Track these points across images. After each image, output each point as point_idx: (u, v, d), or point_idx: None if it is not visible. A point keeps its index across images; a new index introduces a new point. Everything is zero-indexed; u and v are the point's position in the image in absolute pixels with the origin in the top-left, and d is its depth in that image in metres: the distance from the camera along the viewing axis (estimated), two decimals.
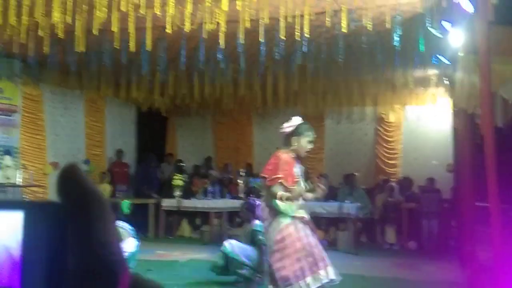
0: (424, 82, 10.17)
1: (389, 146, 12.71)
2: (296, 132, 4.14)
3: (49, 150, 10.52)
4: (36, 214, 1.52)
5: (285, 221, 3.99)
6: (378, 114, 12.82)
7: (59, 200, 1.59)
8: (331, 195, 9.73)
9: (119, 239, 1.71)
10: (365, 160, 13.00)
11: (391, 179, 11.60)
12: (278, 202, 3.95)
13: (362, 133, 13.20)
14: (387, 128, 12.74)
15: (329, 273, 3.96)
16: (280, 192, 3.92)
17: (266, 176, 4.08)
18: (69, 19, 6.02)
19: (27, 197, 9.40)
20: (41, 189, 9.78)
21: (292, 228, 3.99)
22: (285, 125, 4.21)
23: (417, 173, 11.39)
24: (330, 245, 8.98)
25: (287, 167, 4.00)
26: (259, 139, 13.85)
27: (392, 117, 12.64)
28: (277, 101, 11.81)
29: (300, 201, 4.13)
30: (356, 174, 11.79)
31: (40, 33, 6.43)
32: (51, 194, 10.46)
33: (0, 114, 9.37)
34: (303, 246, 3.95)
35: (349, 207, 8.82)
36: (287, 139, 4.18)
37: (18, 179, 9.19)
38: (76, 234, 1.58)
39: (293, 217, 4.02)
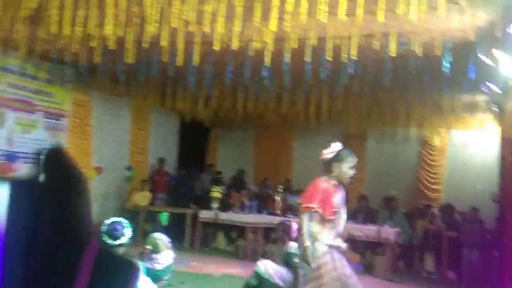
0: (472, 108, 9.90)
1: (432, 171, 12.43)
2: (337, 158, 4.01)
3: (94, 155, 10.80)
4: (19, 189, 1.66)
5: (321, 249, 3.92)
6: (422, 136, 12.57)
7: (45, 177, 1.72)
8: (370, 218, 9.57)
9: (90, 215, 1.88)
10: (407, 183, 12.75)
11: (433, 205, 11.32)
12: (316, 225, 3.89)
13: (405, 155, 12.97)
14: (431, 152, 12.47)
15: None
16: (305, 230, 3.85)
17: (302, 202, 4.01)
18: (120, 32, 6.19)
19: None
20: None
21: (328, 257, 3.90)
22: (325, 151, 4.07)
23: (460, 200, 11.07)
24: (366, 269, 8.82)
25: (326, 196, 3.91)
26: (300, 156, 13.81)
27: (437, 141, 12.37)
28: (320, 119, 11.76)
29: (340, 229, 4.04)
30: (394, 193, 11.58)
31: (92, 43, 6.63)
32: (94, 197, 10.73)
33: (49, 117, 9.69)
34: (339, 277, 3.87)
35: (388, 232, 8.63)
36: (327, 166, 4.05)
37: None
38: (55, 207, 1.74)
39: (330, 246, 3.94)
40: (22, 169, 9.13)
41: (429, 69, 7.44)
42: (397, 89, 9.15)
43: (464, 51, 6.39)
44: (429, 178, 12.43)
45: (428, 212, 9.81)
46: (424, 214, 10.04)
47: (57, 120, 9.87)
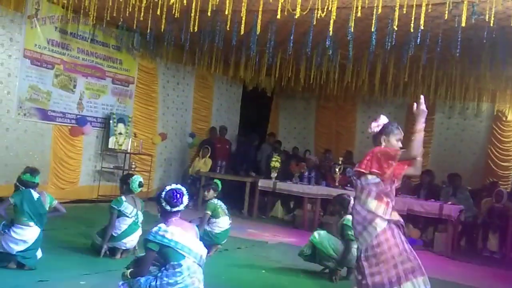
0: None
1: (503, 147, 11.90)
2: (384, 131, 4.02)
3: (159, 121, 11.11)
4: None
5: (381, 225, 3.87)
6: (494, 111, 12.00)
7: None
8: (433, 194, 9.32)
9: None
10: (474, 159, 12.29)
11: (501, 182, 10.87)
12: (373, 201, 3.85)
13: (475, 130, 12.48)
14: (503, 128, 11.90)
15: (425, 282, 3.81)
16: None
17: (362, 168, 3.98)
18: (185, 0, 6.25)
19: (135, 164, 10.01)
20: (149, 157, 10.36)
21: (389, 234, 3.85)
22: (372, 124, 4.09)
23: None
24: (426, 245, 8.65)
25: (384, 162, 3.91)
26: (362, 128, 13.56)
27: (510, 116, 11.78)
28: (385, 90, 11.46)
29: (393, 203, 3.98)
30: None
31: (158, 11, 6.74)
32: (158, 162, 11.08)
33: (118, 84, 10.03)
34: (401, 252, 3.82)
35: (451, 209, 8.37)
36: (376, 139, 4.07)
37: (129, 146, 9.82)
38: None
39: (389, 221, 3.89)
40: (91, 132, 9.56)
41: (503, 41, 7.06)
42: (467, 61, 8.74)
43: None
44: (499, 155, 11.90)
45: (496, 191, 9.40)
46: (490, 192, 9.64)
47: (125, 86, 10.19)
